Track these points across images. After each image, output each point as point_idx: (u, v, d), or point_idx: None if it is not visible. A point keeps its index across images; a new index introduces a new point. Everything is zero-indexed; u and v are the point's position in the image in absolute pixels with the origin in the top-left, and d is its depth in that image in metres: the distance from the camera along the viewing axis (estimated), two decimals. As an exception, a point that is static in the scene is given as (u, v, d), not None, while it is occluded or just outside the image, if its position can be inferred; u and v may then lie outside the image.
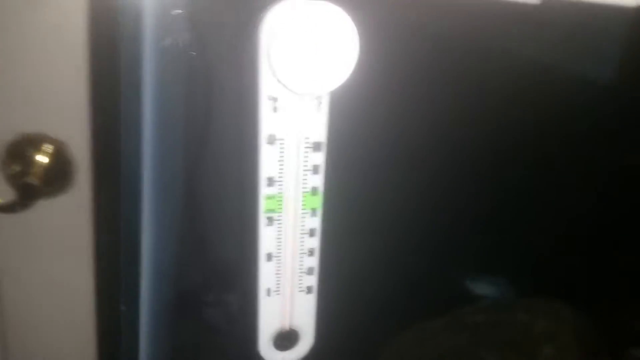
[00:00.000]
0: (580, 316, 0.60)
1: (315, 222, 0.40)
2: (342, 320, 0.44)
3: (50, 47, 0.69)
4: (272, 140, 0.37)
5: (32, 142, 0.73)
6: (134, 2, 0.33)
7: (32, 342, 0.74)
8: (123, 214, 0.36)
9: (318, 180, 0.39)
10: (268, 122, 0.36)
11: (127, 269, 0.36)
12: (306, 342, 0.43)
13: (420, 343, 0.57)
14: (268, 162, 0.37)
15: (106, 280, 0.39)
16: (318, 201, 0.39)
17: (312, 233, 0.40)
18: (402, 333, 0.55)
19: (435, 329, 0.59)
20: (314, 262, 0.41)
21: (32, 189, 0.71)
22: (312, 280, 0.41)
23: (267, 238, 0.39)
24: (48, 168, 0.75)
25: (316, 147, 0.38)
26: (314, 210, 0.39)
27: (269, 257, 0.40)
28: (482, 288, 0.61)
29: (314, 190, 0.39)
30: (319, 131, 0.37)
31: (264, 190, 0.38)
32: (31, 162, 0.74)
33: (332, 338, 0.44)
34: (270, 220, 0.39)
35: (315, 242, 0.40)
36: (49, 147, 0.77)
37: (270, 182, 0.38)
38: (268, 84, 0.35)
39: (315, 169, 0.38)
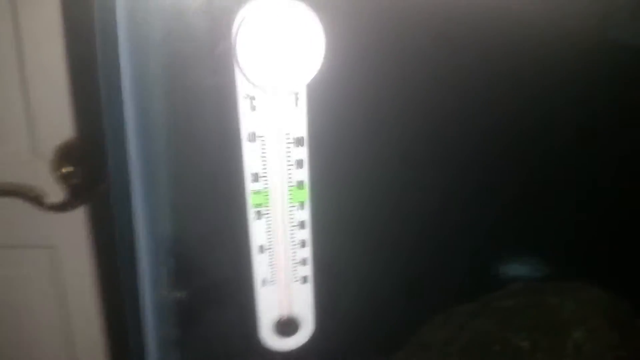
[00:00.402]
0: (610, 297, 0.58)
1: (305, 215, 0.40)
2: (342, 308, 0.45)
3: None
4: (252, 137, 0.37)
5: (81, 144, 0.78)
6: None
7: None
8: (116, 226, 0.38)
9: (303, 174, 0.39)
10: (247, 120, 0.37)
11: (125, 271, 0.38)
12: (306, 329, 0.44)
13: (446, 328, 0.57)
14: (251, 159, 0.38)
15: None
16: (305, 194, 0.40)
17: (302, 225, 0.41)
18: (421, 320, 0.55)
19: (462, 314, 0.59)
20: (306, 252, 0.42)
21: (80, 190, 0.77)
22: (307, 271, 0.42)
23: (257, 231, 0.40)
24: (97, 168, 0.80)
25: (298, 142, 0.38)
26: (301, 204, 0.40)
27: (261, 249, 0.41)
28: (510, 271, 0.60)
29: (300, 184, 0.39)
30: (299, 126, 0.38)
31: (250, 186, 0.39)
32: (80, 163, 0.79)
33: (333, 325, 0.45)
34: (258, 214, 0.40)
35: (306, 234, 0.41)
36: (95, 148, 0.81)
37: (255, 177, 0.38)
38: (244, 83, 0.36)
39: (299, 164, 0.39)
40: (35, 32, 0.74)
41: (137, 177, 0.38)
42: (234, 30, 0.33)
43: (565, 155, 0.50)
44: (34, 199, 0.78)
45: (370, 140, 0.40)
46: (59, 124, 0.79)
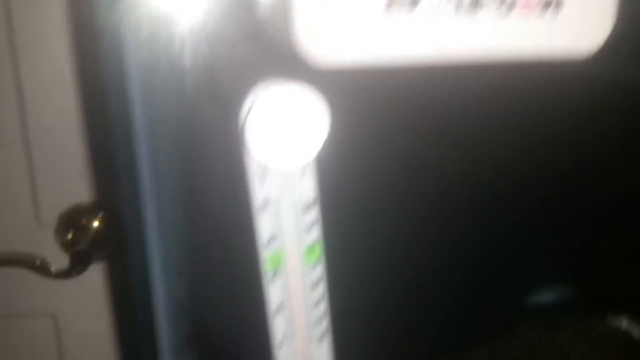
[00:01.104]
0: (628, 333, 0.59)
1: (318, 273, 0.42)
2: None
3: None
4: (265, 204, 0.39)
5: (84, 210, 0.80)
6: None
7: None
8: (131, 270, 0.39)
9: (315, 236, 0.41)
10: (259, 188, 0.39)
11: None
12: (326, 383, 0.45)
13: None
14: (264, 224, 0.40)
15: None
16: (318, 254, 0.41)
17: (316, 284, 0.42)
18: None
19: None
20: (321, 310, 0.43)
21: (84, 256, 0.78)
22: (324, 328, 0.43)
23: (273, 292, 0.42)
24: (100, 233, 0.81)
25: (308, 206, 0.40)
26: (315, 264, 0.41)
27: (278, 310, 0.42)
28: (522, 306, 0.61)
29: (313, 245, 0.41)
30: (308, 192, 0.40)
31: (264, 251, 0.40)
32: (84, 229, 0.81)
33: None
34: (274, 274, 0.41)
35: (319, 292, 0.42)
36: (100, 213, 0.83)
37: (269, 241, 0.40)
38: (254, 157, 0.38)
39: (310, 227, 0.40)
40: (38, 92, 0.75)
41: (152, 239, 0.39)
42: (243, 115, 0.36)
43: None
44: (39, 267, 0.79)
45: (381, 200, 0.42)
46: (62, 190, 0.80)
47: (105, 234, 0.82)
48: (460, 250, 0.49)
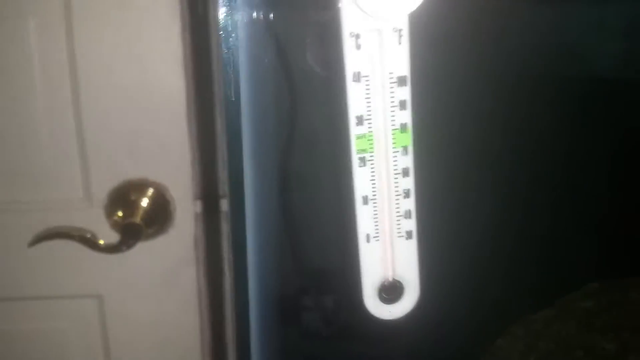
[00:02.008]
0: None
1: (408, 161, 0.40)
2: (446, 271, 0.43)
3: (151, 96, 0.75)
4: (357, 77, 0.38)
5: (134, 187, 0.79)
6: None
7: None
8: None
9: (406, 116, 0.39)
10: (352, 59, 0.37)
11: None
12: (411, 294, 0.42)
13: (522, 339, 0.54)
14: (356, 100, 0.38)
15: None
16: (408, 138, 0.39)
17: (405, 173, 0.40)
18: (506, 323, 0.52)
19: (537, 321, 0.56)
20: (410, 204, 0.40)
21: (135, 229, 0.76)
22: (411, 225, 0.41)
23: (361, 180, 0.39)
24: (149, 210, 0.80)
25: (401, 81, 0.38)
26: (404, 148, 0.40)
27: (365, 200, 0.40)
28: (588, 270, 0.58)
29: (403, 127, 0.39)
30: (402, 65, 0.38)
31: (354, 130, 0.38)
32: (133, 205, 0.79)
33: (437, 291, 0.42)
34: (362, 160, 0.39)
35: (410, 183, 0.40)
36: (149, 190, 0.82)
37: (360, 120, 0.38)
38: (350, 20, 0.37)
39: (402, 105, 0.39)
40: (92, 69, 0.75)
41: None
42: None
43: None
44: (89, 240, 0.77)
45: (478, 80, 0.41)
46: (112, 167, 0.79)
47: (155, 211, 0.80)
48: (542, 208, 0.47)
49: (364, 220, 0.40)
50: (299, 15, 0.36)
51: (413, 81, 0.38)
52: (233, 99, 0.36)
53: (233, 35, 0.36)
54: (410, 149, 0.40)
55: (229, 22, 0.36)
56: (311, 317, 0.41)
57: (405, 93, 0.39)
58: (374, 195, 0.40)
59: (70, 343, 0.83)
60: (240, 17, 0.37)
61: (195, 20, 0.54)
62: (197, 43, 0.60)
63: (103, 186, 0.79)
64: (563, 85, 0.44)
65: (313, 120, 0.38)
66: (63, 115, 0.76)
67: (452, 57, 0.38)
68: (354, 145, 0.39)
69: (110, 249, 0.77)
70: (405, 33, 0.38)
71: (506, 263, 0.46)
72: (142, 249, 0.80)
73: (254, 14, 0.37)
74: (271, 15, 0.37)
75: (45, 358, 0.84)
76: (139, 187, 0.81)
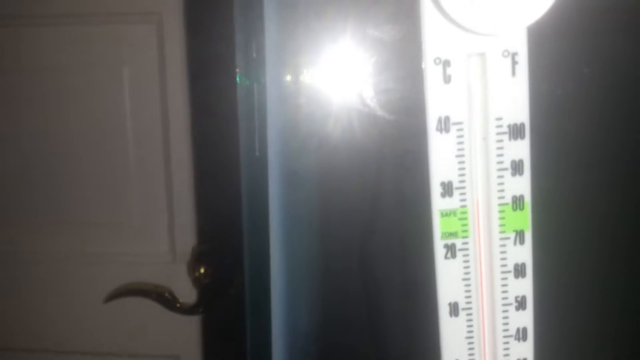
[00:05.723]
0: None
1: (525, 253, 0.26)
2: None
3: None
4: (445, 125, 0.25)
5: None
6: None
7: None
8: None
9: (522, 185, 0.25)
10: (437, 97, 0.25)
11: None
12: None
13: None
14: (441, 159, 0.25)
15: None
16: (525, 219, 0.26)
17: (519, 271, 0.26)
18: None
19: None
20: (526, 319, 0.26)
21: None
22: (527, 350, 0.26)
23: (448, 279, 0.26)
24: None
25: (515, 131, 0.25)
26: (519, 234, 0.26)
27: (454, 309, 0.26)
28: None
29: (517, 202, 0.25)
30: (518, 107, 0.25)
31: (438, 203, 0.26)
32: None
33: None
34: (450, 249, 0.26)
35: (526, 287, 0.26)
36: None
37: (447, 190, 0.25)
38: (434, 41, 0.24)
39: (516, 167, 0.25)
40: (181, 124, 0.72)
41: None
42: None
43: None
44: (167, 299, 0.70)
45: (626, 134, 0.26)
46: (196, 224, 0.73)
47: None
48: None
49: (451, 339, 0.26)
50: (355, 31, 0.24)
51: (533, 131, 0.24)
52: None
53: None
54: (529, 235, 0.26)
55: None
56: None
57: (522, 150, 0.25)
58: (469, 303, 0.26)
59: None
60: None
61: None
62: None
63: (187, 242, 0.74)
64: None
65: (378, 189, 0.26)
66: (154, 165, 0.72)
67: (589, 92, 0.24)
68: (438, 226, 0.26)
69: (187, 309, 0.70)
70: (523, 58, 0.24)
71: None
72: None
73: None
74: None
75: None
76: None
